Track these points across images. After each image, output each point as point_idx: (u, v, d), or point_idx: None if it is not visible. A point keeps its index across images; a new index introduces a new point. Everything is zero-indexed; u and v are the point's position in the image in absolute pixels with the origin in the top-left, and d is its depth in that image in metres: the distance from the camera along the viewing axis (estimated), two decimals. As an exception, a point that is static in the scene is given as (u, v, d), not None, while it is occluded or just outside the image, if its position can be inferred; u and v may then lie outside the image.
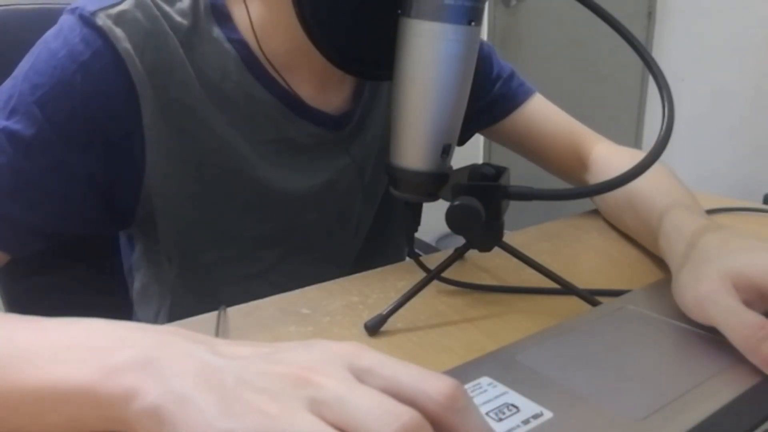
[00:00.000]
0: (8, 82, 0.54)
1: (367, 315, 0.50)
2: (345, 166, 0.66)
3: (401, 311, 0.50)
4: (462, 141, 0.74)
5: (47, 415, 0.32)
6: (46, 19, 0.57)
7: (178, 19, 0.56)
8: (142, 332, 0.32)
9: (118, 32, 0.53)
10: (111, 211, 0.58)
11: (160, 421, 0.27)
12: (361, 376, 0.27)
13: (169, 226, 0.60)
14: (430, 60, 0.49)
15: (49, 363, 0.32)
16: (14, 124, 0.51)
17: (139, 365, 0.30)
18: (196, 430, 0.26)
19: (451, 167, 0.53)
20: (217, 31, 0.58)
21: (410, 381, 0.27)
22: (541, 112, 0.77)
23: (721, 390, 0.34)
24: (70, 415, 0.32)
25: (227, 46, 0.58)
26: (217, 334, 0.48)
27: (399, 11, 0.50)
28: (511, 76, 0.77)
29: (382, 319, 0.49)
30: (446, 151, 0.51)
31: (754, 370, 0.36)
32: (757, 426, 0.31)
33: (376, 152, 0.69)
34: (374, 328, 0.49)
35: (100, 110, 0.53)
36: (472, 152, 2.57)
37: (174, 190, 0.58)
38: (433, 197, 0.53)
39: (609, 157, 0.74)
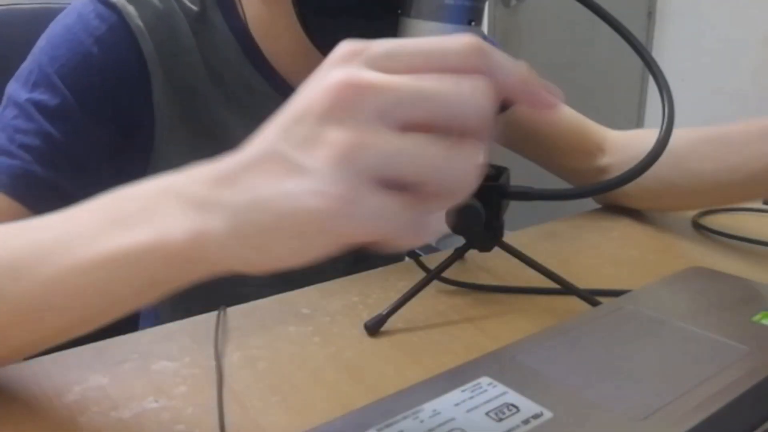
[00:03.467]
0: (27, 61, 0.56)
1: (367, 315, 0.50)
2: None
3: (401, 311, 0.50)
4: None
5: (119, 287, 0.33)
6: (47, 18, 0.57)
7: (188, 4, 0.57)
8: (169, 189, 0.32)
9: (131, 9, 0.54)
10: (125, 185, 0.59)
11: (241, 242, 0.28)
12: (383, 65, 0.27)
13: None
14: (430, 60, 0.49)
15: (100, 235, 0.32)
16: (39, 95, 0.53)
17: (191, 211, 0.30)
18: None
19: (451, 167, 0.53)
20: (220, 20, 0.58)
21: (433, 49, 0.27)
22: None
23: (721, 390, 0.34)
24: (147, 280, 0.32)
25: (230, 35, 0.58)
26: (216, 335, 0.48)
27: (399, 11, 0.50)
28: None
29: (382, 319, 0.49)
30: (446, 151, 0.51)
31: (754, 370, 0.36)
32: (757, 426, 0.31)
33: None
34: (374, 328, 0.49)
35: (117, 82, 0.54)
36: (472, 152, 2.56)
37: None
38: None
39: (629, 136, 0.75)
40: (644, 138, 0.74)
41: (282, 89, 0.61)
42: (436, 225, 0.27)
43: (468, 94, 0.26)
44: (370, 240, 0.26)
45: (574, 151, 0.77)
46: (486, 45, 0.27)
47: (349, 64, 0.27)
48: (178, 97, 0.57)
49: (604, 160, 0.76)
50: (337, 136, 0.25)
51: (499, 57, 0.28)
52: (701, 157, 0.65)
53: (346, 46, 0.28)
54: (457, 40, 0.27)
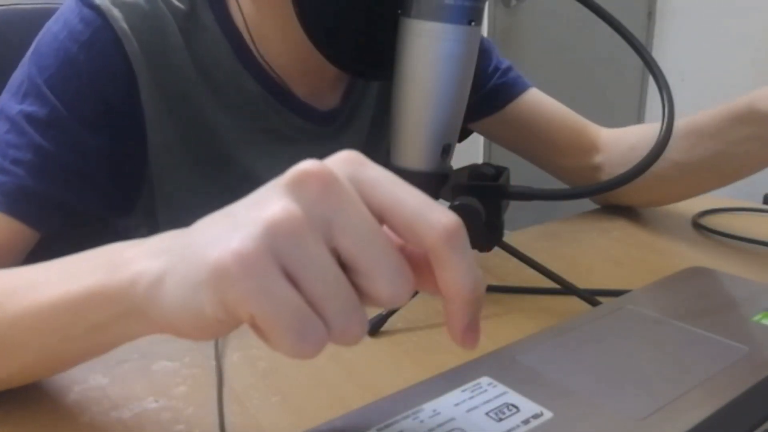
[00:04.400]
0: (18, 71, 0.56)
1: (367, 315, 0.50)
2: None
3: (401, 311, 0.50)
4: (462, 136, 0.74)
5: (68, 328, 0.33)
6: (46, 18, 0.57)
7: (176, 3, 0.57)
8: (143, 242, 0.32)
9: (116, 12, 0.54)
10: (121, 192, 0.59)
11: (162, 293, 0.27)
12: (363, 188, 0.26)
13: (167, 213, 0.61)
14: (430, 60, 0.49)
15: (62, 280, 0.33)
16: (29, 107, 0.53)
17: (143, 257, 0.29)
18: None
19: (451, 167, 0.53)
20: (211, 19, 0.58)
21: (415, 214, 0.26)
22: (544, 100, 0.77)
23: (721, 390, 0.34)
24: (90, 323, 0.32)
25: (220, 34, 0.58)
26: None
27: (399, 11, 0.50)
28: (509, 68, 0.77)
29: (382, 319, 0.49)
30: (446, 151, 0.51)
31: (754, 370, 0.36)
32: (757, 426, 0.31)
33: (362, 147, 0.69)
34: (374, 328, 0.49)
35: (105, 87, 0.54)
36: (472, 152, 2.56)
37: (171, 172, 0.59)
38: (433, 197, 0.52)
39: (621, 135, 0.75)
40: (634, 133, 0.74)
41: (272, 88, 0.61)
42: (316, 346, 0.25)
43: (402, 293, 0.26)
44: (251, 322, 0.25)
45: (570, 149, 0.77)
46: (460, 242, 0.26)
47: (341, 164, 0.27)
48: (166, 97, 0.57)
49: (598, 158, 0.76)
50: (281, 205, 0.25)
51: (463, 259, 0.26)
52: (679, 149, 0.67)
53: (347, 153, 0.28)
54: (441, 224, 0.26)
